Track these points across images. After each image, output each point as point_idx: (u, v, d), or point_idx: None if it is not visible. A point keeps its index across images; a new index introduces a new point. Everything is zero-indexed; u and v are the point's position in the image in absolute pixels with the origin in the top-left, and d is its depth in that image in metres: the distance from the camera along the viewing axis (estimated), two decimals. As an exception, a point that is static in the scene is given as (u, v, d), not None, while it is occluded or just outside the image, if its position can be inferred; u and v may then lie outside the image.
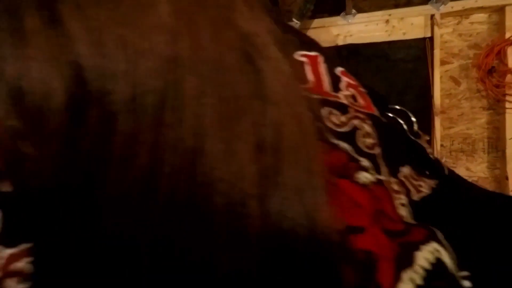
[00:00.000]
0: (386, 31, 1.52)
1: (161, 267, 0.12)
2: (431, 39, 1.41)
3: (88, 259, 0.12)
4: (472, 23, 1.37)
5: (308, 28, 1.65)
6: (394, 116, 0.34)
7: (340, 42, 1.59)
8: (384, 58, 1.49)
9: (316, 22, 1.63)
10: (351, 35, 1.58)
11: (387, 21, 1.52)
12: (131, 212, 0.12)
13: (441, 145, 1.43)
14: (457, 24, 1.39)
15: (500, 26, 1.33)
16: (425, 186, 0.25)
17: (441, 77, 1.40)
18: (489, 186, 1.35)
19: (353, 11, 1.57)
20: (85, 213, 0.12)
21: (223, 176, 0.12)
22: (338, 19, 1.60)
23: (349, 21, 1.58)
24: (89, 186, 0.11)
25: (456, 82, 1.42)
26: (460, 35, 1.37)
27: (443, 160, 1.42)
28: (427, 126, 1.42)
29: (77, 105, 0.11)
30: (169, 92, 0.11)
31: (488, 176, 1.39)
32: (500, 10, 1.32)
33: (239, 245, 0.13)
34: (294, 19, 1.54)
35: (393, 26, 1.50)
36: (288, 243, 0.14)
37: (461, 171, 1.39)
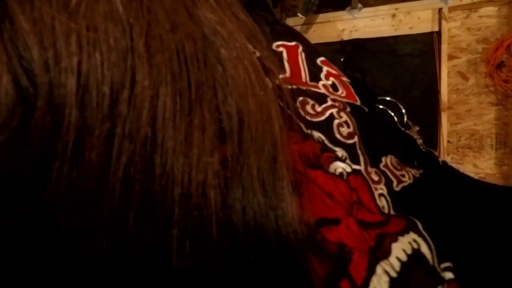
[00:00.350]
0: (393, 25, 1.49)
1: (119, 262, 0.12)
2: (439, 33, 1.38)
3: (39, 256, 0.12)
4: (481, 16, 1.34)
5: (313, 23, 1.64)
6: (384, 107, 0.33)
7: (346, 37, 1.57)
8: (391, 53, 1.47)
9: (321, 16, 1.62)
10: (356, 30, 1.56)
11: (393, 15, 1.49)
12: (85, 206, 0.11)
13: (448, 141, 1.41)
14: (466, 18, 1.35)
15: (510, 19, 1.29)
16: (408, 176, 0.25)
17: (448, 72, 1.38)
18: (496, 182, 1.33)
19: (359, 5, 1.55)
20: (36, 208, 0.11)
21: (181, 167, 0.12)
22: (343, 14, 1.58)
23: (355, 15, 1.56)
24: (41, 179, 0.11)
25: (464, 77, 1.39)
26: (468, 29, 1.34)
27: (449, 157, 1.40)
28: (433, 122, 1.39)
29: (26, 99, 0.10)
30: (124, 83, 0.11)
31: (495, 173, 1.36)
32: (510, 3, 1.28)
33: (200, 238, 0.13)
34: (299, 14, 1.53)
35: (400, 20, 1.48)
36: (251, 235, 0.14)
37: (468, 168, 1.37)
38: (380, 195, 0.22)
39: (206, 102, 0.13)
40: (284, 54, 0.25)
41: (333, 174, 0.19)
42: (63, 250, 0.12)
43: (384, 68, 1.47)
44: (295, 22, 1.66)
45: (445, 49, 1.34)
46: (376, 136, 0.25)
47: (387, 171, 0.23)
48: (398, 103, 0.34)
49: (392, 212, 0.22)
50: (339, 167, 0.20)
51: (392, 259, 0.19)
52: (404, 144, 0.31)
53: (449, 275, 0.20)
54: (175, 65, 0.13)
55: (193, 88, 0.13)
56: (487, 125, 1.36)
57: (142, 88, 0.12)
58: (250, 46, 0.16)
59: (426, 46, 1.39)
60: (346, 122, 0.22)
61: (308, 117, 0.21)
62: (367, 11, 1.54)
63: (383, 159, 0.24)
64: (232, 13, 0.16)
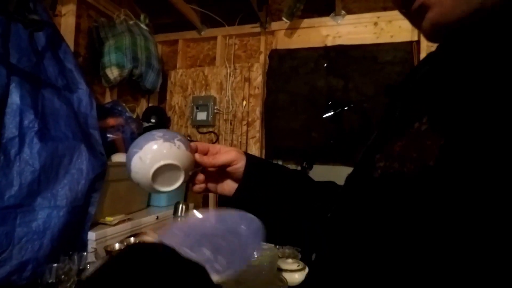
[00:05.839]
0: (375, 33, 1.52)
1: None
2: (418, 42, 1.42)
3: None
4: (458, 28, 1.38)
5: (298, 28, 1.64)
6: None
7: (329, 42, 1.59)
8: (372, 60, 1.49)
9: (306, 22, 1.63)
10: (340, 36, 1.58)
11: (375, 23, 1.52)
12: None
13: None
14: (444, 28, 1.40)
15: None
16: None
17: (427, 80, 1.41)
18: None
19: (343, 12, 1.57)
20: None
21: None
22: (327, 20, 1.60)
23: (338, 22, 1.58)
24: None
25: (442, 86, 1.43)
26: (446, 39, 1.38)
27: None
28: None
29: None
30: None
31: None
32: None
33: None
34: (283, 18, 1.53)
35: (382, 29, 1.51)
36: None
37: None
38: None
39: None
40: None
41: None
42: None
43: (367, 74, 1.49)
44: (279, 26, 1.67)
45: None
46: None
47: None
48: None
49: None
50: None
51: None
52: None
53: None
54: None
55: None
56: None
57: None
58: None
59: (406, 54, 1.43)
60: None
61: None
62: (350, 18, 1.56)
63: None
64: None
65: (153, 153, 0.42)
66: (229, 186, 0.50)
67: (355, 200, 0.34)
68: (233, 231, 0.46)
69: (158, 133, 0.44)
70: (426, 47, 1.37)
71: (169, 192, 0.45)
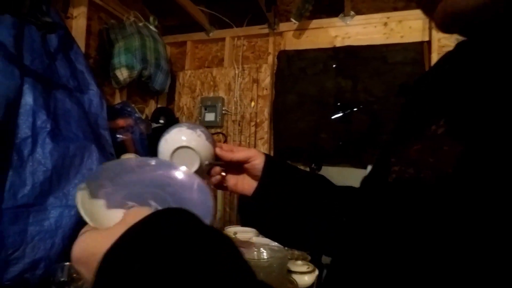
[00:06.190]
0: (384, 33, 1.51)
1: None
2: (429, 43, 1.40)
3: None
4: (470, 27, 1.36)
5: (306, 29, 1.64)
6: None
7: (338, 43, 1.58)
8: (382, 61, 1.48)
9: (314, 22, 1.62)
10: (349, 37, 1.57)
11: (385, 24, 1.51)
12: None
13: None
14: (456, 28, 1.38)
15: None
16: None
17: (438, 81, 1.39)
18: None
19: (352, 12, 1.56)
20: None
21: None
22: (336, 20, 1.59)
23: (347, 22, 1.57)
24: None
25: (453, 86, 1.41)
26: (457, 39, 1.36)
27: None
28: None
29: None
30: None
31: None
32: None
33: None
34: (292, 19, 1.53)
35: (391, 29, 1.49)
36: None
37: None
38: None
39: None
40: None
41: None
42: None
43: (376, 75, 1.47)
44: (288, 27, 1.66)
45: (435, 58, 1.36)
46: None
47: None
48: None
49: None
50: None
51: None
52: None
53: None
54: None
55: None
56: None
57: None
58: None
59: (417, 54, 1.41)
60: None
61: None
62: (360, 18, 1.55)
63: None
64: None
65: (175, 136, 0.48)
66: (248, 185, 0.51)
67: (369, 205, 0.34)
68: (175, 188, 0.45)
69: (185, 123, 0.50)
70: (438, 48, 1.35)
71: None
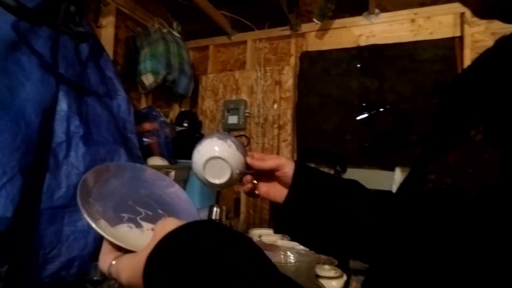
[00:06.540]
0: (412, 30, 1.45)
1: None
2: (461, 38, 1.33)
3: None
4: (506, 20, 1.28)
5: (329, 29, 1.61)
6: None
7: (362, 42, 1.54)
8: (409, 59, 1.42)
9: (337, 22, 1.60)
10: (374, 36, 1.53)
11: (412, 20, 1.45)
12: None
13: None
14: (490, 22, 1.30)
15: (538, 23, 1.23)
16: None
17: (471, 78, 1.32)
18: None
19: (376, 10, 1.52)
20: None
21: None
22: (360, 19, 1.55)
23: (372, 20, 1.53)
24: None
25: (488, 83, 1.33)
26: (493, 34, 1.28)
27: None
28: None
29: None
30: None
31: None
32: (538, 6, 1.22)
33: None
34: (314, 19, 1.51)
35: (420, 25, 1.44)
36: None
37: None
38: None
39: None
40: None
41: None
42: None
43: (403, 74, 1.42)
44: (310, 28, 1.65)
45: (468, 54, 1.29)
46: None
47: None
48: None
49: None
50: None
51: None
52: None
53: None
54: None
55: None
56: None
57: None
58: None
59: (447, 51, 1.34)
60: None
61: None
62: (385, 16, 1.51)
63: None
64: None
65: (207, 147, 0.50)
66: (279, 192, 0.51)
67: (405, 215, 0.32)
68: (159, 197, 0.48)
69: (216, 134, 0.52)
70: (471, 43, 1.28)
71: (218, 185, 0.51)
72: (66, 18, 0.89)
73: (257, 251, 0.28)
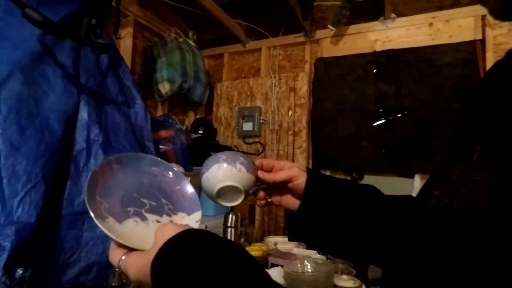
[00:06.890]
0: (430, 34, 1.42)
1: None
2: (482, 41, 1.29)
3: None
4: (531, 22, 1.23)
5: (344, 35, 1.60)
6: None
7: (378, 48, 1.52)
8: (428, 63, 1.39)
9: (352, 28, 1.58)
10: (390, 40, 1.51)
11: (430, 24, 1.42)
12: None
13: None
14: (513, 24, 1.26)
15: None
16: None
17: (494, 82, 1.27)
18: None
19: (392, 15, 1.50)
20: None
21: None
22: (376, 24, 1.54)
23: (388, 25, 1.51)
24: None
25: (513, 87, 1.28)
26: (515, 38, 1.24)
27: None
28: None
29: None
30: None
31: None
32: None
33: None
34: (329, 26, 1.51)
35: (438, 29, 1.40)
36: None
37: None
38: None
39: None
40: None
41: None
42: None
43: (421, 79, 1.39)
44: (324, 34, 1.64)
45: (490, 57, 1.24)
46: None
47: None
48: None
49: None
50: None
51: None
52: None
53: None
54: None
55: None
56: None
57: None
58: None
59: (468, 54, 1.30)
60: None
61: None
62: (402, 20, 1.48)
63: None
64: None
65: (216, 175, 0.48)
66: (292, 201, 0.51)
67: (410, 227, 0.33)
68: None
69: (222, 156, 0.50)
70: (493, 46, 1.24)
71: (232, 206, 0.51)
72: (88, 31, 0.92)
73: (249, 258, 0.31)
